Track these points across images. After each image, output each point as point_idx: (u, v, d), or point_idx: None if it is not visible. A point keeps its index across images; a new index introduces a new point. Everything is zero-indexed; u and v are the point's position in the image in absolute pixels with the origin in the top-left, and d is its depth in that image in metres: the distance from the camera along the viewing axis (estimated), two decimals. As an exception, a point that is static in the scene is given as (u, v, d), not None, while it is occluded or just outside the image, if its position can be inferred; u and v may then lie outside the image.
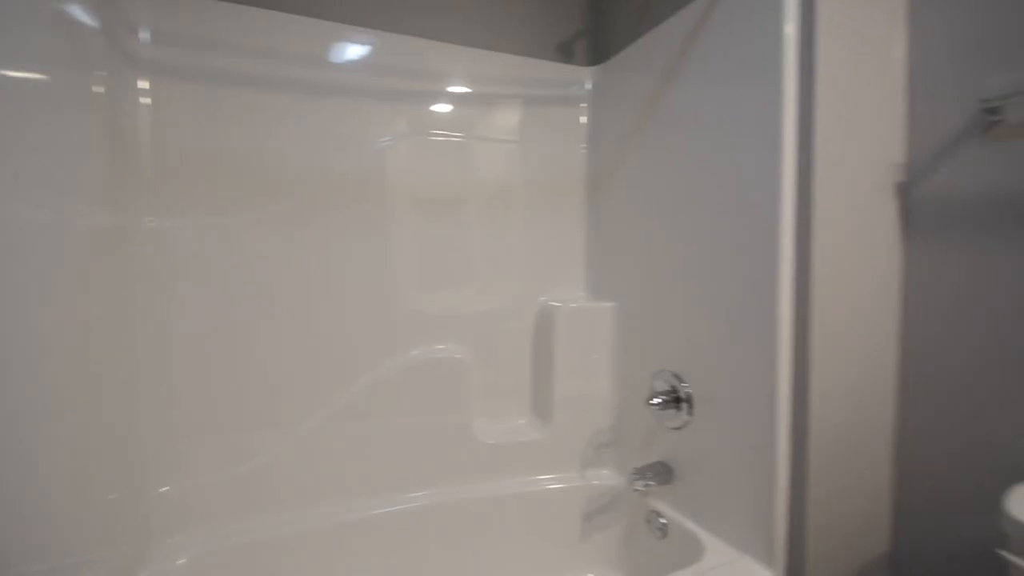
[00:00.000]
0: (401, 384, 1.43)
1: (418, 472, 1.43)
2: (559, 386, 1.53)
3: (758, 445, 1.06)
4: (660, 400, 1.27)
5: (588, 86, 1.67)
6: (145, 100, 1.20)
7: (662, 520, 1.28)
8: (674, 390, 1.28)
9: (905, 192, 1.08)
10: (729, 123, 1.13)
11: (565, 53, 1.69)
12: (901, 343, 1.09)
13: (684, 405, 1.26)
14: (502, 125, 1.58)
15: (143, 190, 1.20)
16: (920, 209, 1.05)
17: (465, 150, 1.53)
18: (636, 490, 1.29)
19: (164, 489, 1.22)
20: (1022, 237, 0.90)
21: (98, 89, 1.02)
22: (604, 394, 1.57)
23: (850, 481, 1.07)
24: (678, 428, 1.29)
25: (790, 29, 1.00)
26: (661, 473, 1.33)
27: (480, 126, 1.55)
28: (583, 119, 1.68)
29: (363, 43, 1.41)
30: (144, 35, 1.20)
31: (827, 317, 1.02)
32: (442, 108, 1.50)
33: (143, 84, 1.20)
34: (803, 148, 1.01)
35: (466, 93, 1.53)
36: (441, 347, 1.50)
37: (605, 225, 1.60)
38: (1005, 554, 0.78)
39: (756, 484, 1.07)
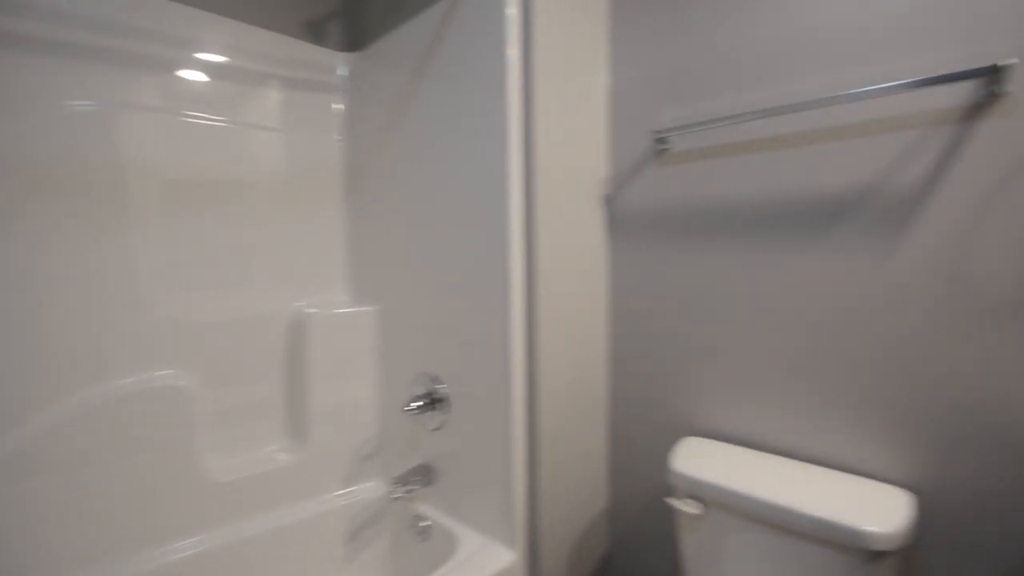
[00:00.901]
0: (102, 424, 1.12)
1: (128, 533, 1.14)
2: (316, 401, 1.40)
3: (499, 433, 1.13)
4: (417, 405, 1.25)
5: (343, 72, 1.56)
6: None
7: (424, 523, 1.28)
8: (431, 392, 1.28)
9: (609, 203, 1.27)
10: (469, 130, 1.16)
11: (316, 34, 1.54)
12: (610, 329, 1.29)
13: (441, 406, 1.27)
14: (251, 108, 1.38)
15: None
16: (620, 217, 1.25)
17: (207, 133, 1.30)
18: (395, 498, 1.26)
19: None
20: (681, 241, 1.14)
21: None
22: (368, 403, 1.50)
23: (575, 452, 1.22)
24: (437, 429, 1.30)
25: (513, 52, 1.06)
26: (424, 475, 1.33)
27: (225, 107, 1.33)
28: (339, 108, 1.55)
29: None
30: None
31: (551, 310, 1.14)
32: (181, 84, 1.26)
33: None
34: (528, 159, 1.10)
35: (206, 66, 1.30)
36: (165, 372, 1.23)
37: (366, 224, 1.52)
38: (670, 500, 0.98)
39: (499, 470, 1.14)
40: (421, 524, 1.28)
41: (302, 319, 1.41)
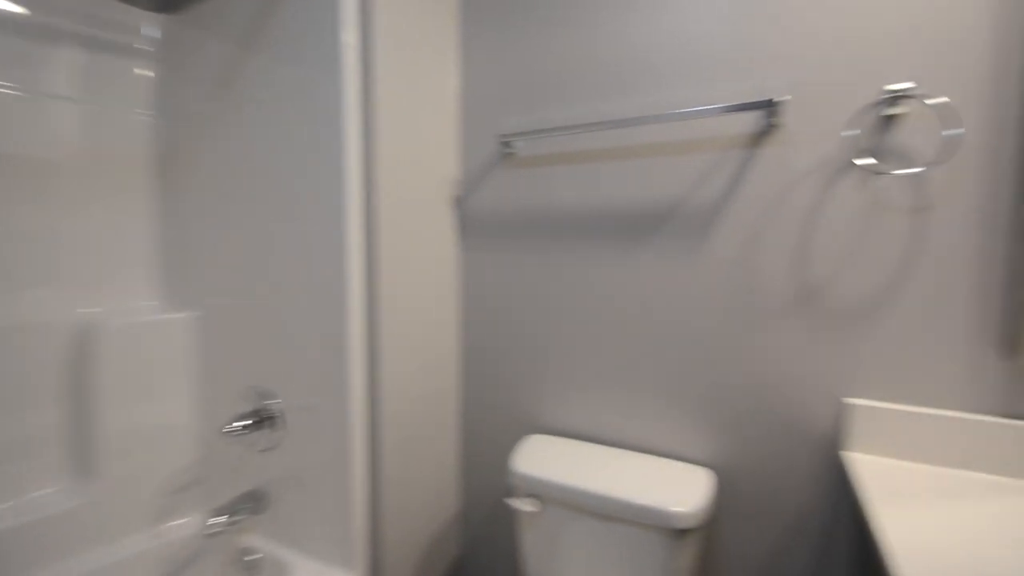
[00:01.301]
0: None
1: None
2: (109, 428, 1.16)
3: (337, 448, 1.04)
4: (241, 425, 1.10)
5: (153, 35, 1.31)
6: None
7: (252, 556, 1.13)
8: (260, 410, 1.14)
9: (461, 203, 1.25)
10: (303, 117, 1.05)
11: (117, -14, 1.28)
12: (461, 331, 1.27)
13: (273, 423, 1.14)
14: (31, 71, 1.12)
15: None
16: (470, 218, 1.24)
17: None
18: (213, 533, 1.09)
19: None
20: (526, 243, 1.16)
21: None
22: (183, 426, 1.28)
23: (424, 459, 1.18)
24: (269, 449, 1.16)
25: (349, 37, 0.98)
26: (254, 502, 1.18)
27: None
28: (146, 76, 1.31)
29: None
30: None
31: (396, 313, 1.08)
32: None
33: None
34: (368, 154, 1.02)
35: None
36: None
37: (183, 217, 1.30)
38: (510, 501, 0.99)
39: (337, 488, 1.05)
40: (248, 558, 1.13)
41: (90, 329, 1.16)
